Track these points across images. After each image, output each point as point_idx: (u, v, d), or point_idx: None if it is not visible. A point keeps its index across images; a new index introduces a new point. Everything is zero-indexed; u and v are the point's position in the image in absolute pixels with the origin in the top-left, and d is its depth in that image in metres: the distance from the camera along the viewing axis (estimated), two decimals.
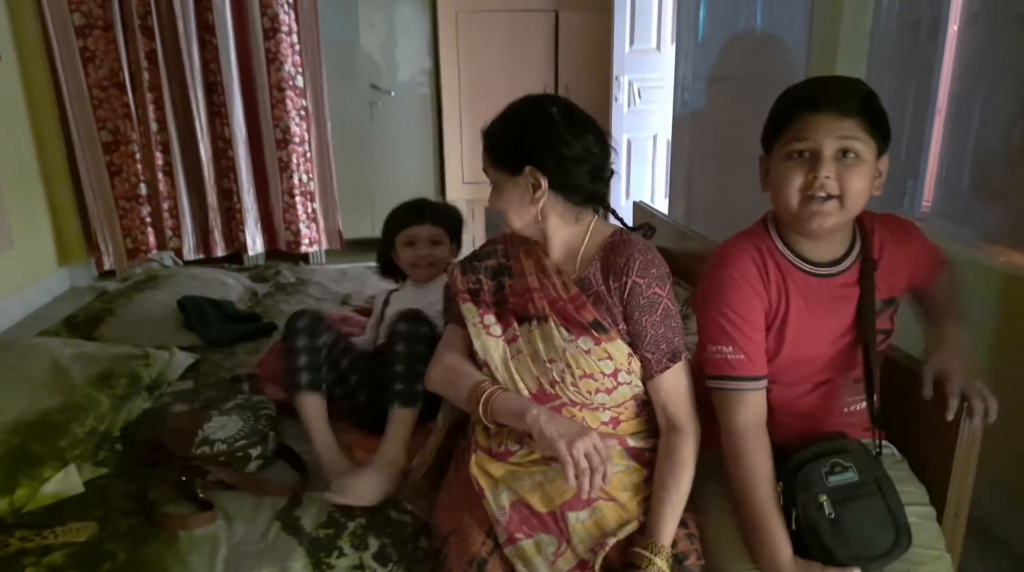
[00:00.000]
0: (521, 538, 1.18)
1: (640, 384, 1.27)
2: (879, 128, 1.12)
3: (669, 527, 1.18)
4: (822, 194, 1.10)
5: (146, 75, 3.83)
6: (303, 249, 4.30)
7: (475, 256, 1.40)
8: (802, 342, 1.22)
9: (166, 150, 3.98)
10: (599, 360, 1.23)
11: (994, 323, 1.99)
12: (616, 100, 4.32)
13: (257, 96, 4.08)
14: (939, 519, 1.26)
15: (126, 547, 1.33)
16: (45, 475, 1.51)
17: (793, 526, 1.15)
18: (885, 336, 1.27)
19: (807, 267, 1.22)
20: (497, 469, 1.27)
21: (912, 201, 2.51)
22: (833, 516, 1.12)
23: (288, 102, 4.07)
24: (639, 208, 3.46)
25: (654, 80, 4.32)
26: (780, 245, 1.23)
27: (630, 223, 1.36)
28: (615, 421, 1.27)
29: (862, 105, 1.10)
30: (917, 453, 1.30)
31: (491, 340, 1.30)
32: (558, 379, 1.24)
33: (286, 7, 3.96)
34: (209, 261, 4.10)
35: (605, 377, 1.23)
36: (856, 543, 1.11)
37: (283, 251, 4.31)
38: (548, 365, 1.25)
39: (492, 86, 4.52)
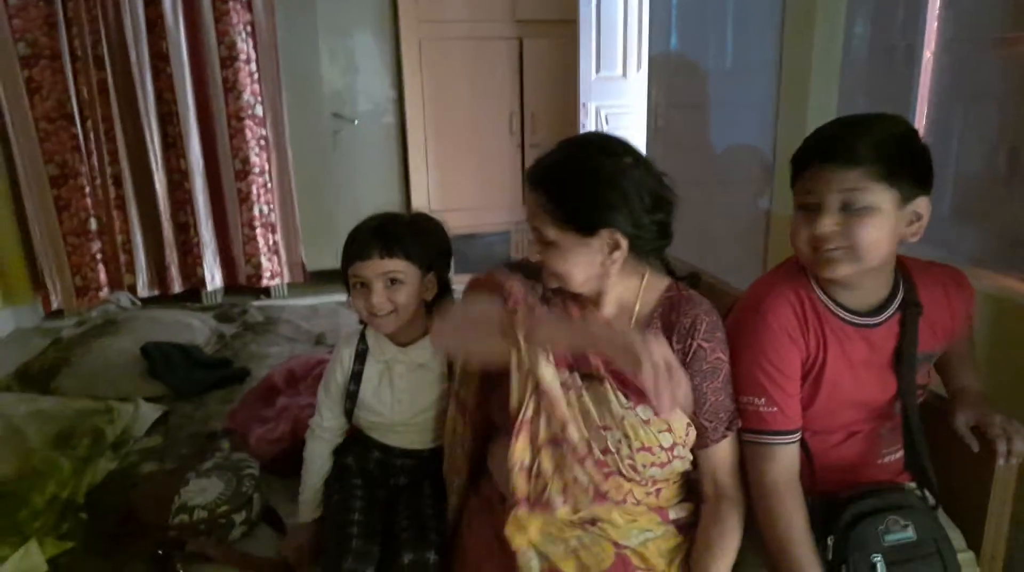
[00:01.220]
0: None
1: (691, 457, 1.18)
2: (901, 173, 1.06)
3: None
4: (830, 245, 1.07)
5: (97, 106, 3.66)
6: (264, 282, 4.14)
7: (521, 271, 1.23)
8: (838, 391, 1.17)
9: (118, 183, 3.80)
10: (659, 432, 1.13)
11: (982, 347, 1.99)
12: (583, 127, 4.31)
13: (215, 126, 3.93)
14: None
15: None
16: (2, 553, 1.35)
17: None
18: (922, 390, 1.23)
19: (845, 315, 1.16)
20: (534, 526, 1.16)
21: None
22: None
23: (247, 132, 3.93)
24: None
25: (621, 106, 4.33)
26: (818, 290, 1.17)
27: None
28: (658, 492, 1.19)
29: (874, 152, 1.03)
30: (950, 495, 1.26)
31: (550, 369, 1.13)
32: (612, 449, 1.14)
33: (244, 35, 3.84)
34: (165, 298, 3.92)
35: (663, 451, 1.14)
36: None
37: (243, 285, 4.15)
38: (603, 432, 1.14)
39: (457, 114, 4.48)
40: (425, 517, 1.36)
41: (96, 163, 3.70)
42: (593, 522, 1.14)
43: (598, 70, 4.27)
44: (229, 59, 3.82)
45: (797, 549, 1.09)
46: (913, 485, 1.18)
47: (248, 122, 3.93)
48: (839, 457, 1.21)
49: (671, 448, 1.14)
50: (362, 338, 1.43)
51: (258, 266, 4.12)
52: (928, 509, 1.13)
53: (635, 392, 1.13)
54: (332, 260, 5.06)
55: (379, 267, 1.33)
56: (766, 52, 2.91)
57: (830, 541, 1.10)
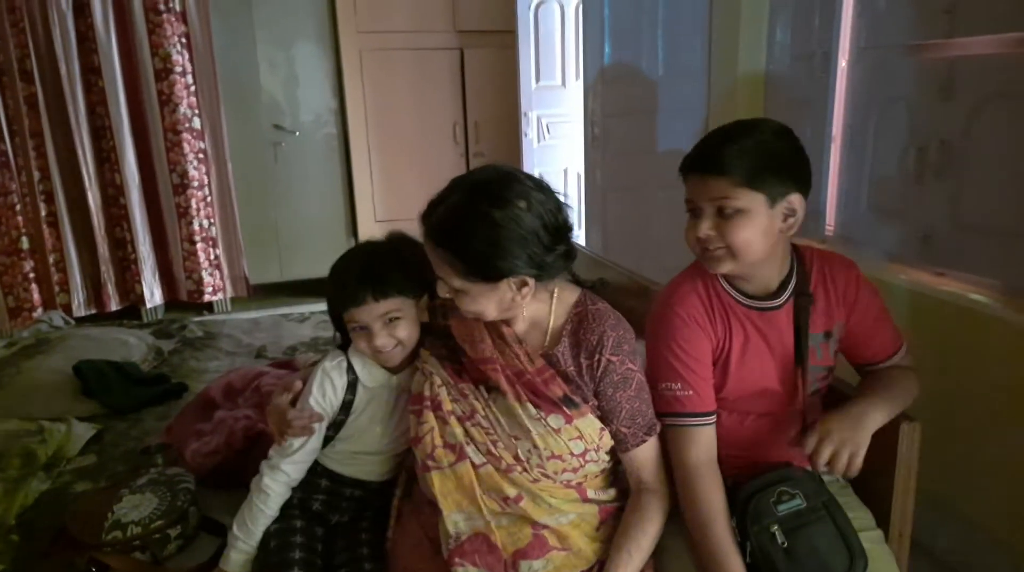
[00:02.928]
0: (467, 564, 1.14)
1: (607, 458, 1.24)
2: (765, 177, 1.13)
3: None
4: (709, 247, 1.18)
5: (26, 121, 3.57)
6: (207, 298, 4.08)
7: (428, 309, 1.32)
8: (745, 375, 1.25)
9: (50, 200, 3.71)
10: (569, 440, 1.17)
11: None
12: (526, 135, 4.38)
13: (150, 140, 3.88)
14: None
15: None
16: None
17: (748, 559, 1.15)
18: (827, 372, 1.30)
19: (745, 301, 1.25)
20: (464, 485, 1.19)
21: (816, 225, 2.63)
22: (786, 545, 1.13)
23: (185, 145, 3.88)
24: None
25: (561, 115, 4.41)
26: (722, 281, 1.26)
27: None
28: (580, 486, 1.23)
29: (738, 161, 1.12)
30: (858, 477, 1.32)
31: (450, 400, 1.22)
32: (523, 457, 1.18)
33: (179, 47, 3.79)
34: (103, 316, 3.83)
35: (573, 457, 1.18)
36: (812, 570, 1.11)
37: (185, 301, 4.08)
38: (513, 441, 1.19)
39: (401, 124, 4.49)
40: (361, 550, 1.34)
41: (27, 180, 3.61)
42: (508, 500, 1.18)
43: (538, 79, 4.34)
44: (164, 71, 3.77)
45: (716, 526, 1.16)
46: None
47: (185, 135, 3.87)
48: (750, 438, 1.28)
49: (582, 454, 1.18)
50: (350, 367, 1.35)
51: (199, 281, 4.06)
52: (813, 478, 1.20)
53: (546, 401, 1.17)
54: (276, 273, 5.03)
55: (375, 310, 1.27)
56: (695, 59, 3.01)
57: (733, 522, 1.17)
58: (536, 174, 4.39)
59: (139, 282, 3.95)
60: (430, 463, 1.21)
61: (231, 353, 2.63)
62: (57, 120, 3.65)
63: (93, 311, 3.89)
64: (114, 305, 3.93)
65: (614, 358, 1.18)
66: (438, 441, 1.21)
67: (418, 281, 1.30)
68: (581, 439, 1.18)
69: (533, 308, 1.21)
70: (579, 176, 4.38)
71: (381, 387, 1.36)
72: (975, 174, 2.00)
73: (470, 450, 1.20)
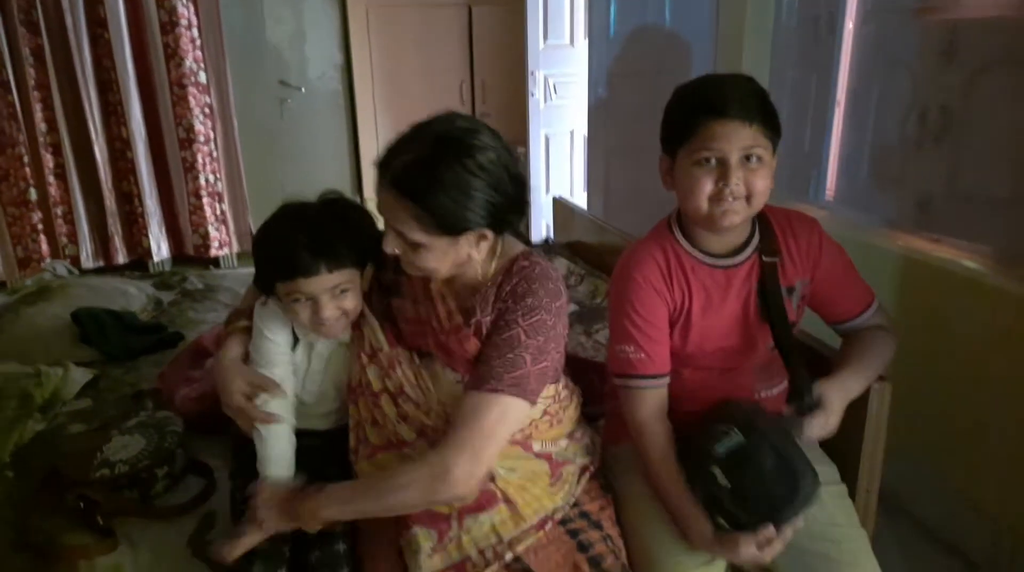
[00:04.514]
0: (416, 526, 1.15)
1: (541, 408, 1.22)
2: (775, 128, 1.17)
3: None
4: (731, 198, 1.15)
5: (32, 73, 3.58)
6: (213, 253, 4.13)
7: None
8: (706, 333, 1.27)
9: (57, 152, 3.74)
10: None
11: (891, 303, 2.09)
12: (532, 95, 4.33)
13: (156, 93, 3.88)
14: (852, 495, 1.30)
15: None
16: None
17: (702, 504, 1.17)
18: (792, 326, 1.30)
19: (708, 260, 1.26)
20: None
21: (816, 191, 2.61)
22: (729, 485, 1.13)
23: (191, 99, 3.89)
24: (558, 203, 3.48)
25: (569, 75, 4.34)
26: (683, 242, 1.27)
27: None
28: (526, 440, 1.23)
29: (762, 111, 1.14)
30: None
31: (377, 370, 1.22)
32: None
33: (184, 0, 3.77)
34: (110, 269, 3.88)
35: None
36: (758, 503, 1.11)
37: (191, 256, 4.13)
38: (442, 407, 1.19)
39: (407, 82, 4.46)
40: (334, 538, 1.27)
41: (33, 132, 3.63)
42: None
43: (546, 38, 4.27)
44: (169, 24, 3.76)
45: (670, 475, 1.20)
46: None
47: (191, 89, 3.88)
48: (713, 393, 1.28)
49: None
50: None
51: (206, 236, 4.10)
52: (755, 409, 1.21)
53: (460, 364, 1.17)
54: None
55: (327, 282, 1.20)
56: (702, 20, 2.96)
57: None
58: (542, 136, 4.38)
59: (146, 236, 3.99)
60: (362, 449, 1.24)
61: (229, 305, 2.67)
62: (63, 72, 3.66)
63: (101, 263, 3.95)
64: (121, 258, 3.98)
65: (515, 306, 1.12)
66: (371, 433, 1.24)
67: (365, 250, 1.24)
68: None
69: (480, 263, 1.17)
70: (584, 138, 4.34)
71: (313, 340, 1.31)
72: (973, 140, 1.97)
73: (402, 430, 1.20)
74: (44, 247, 3.79)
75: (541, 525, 1.19)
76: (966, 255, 2.00)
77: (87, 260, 3.90)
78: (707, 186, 1.16)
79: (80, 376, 1.94)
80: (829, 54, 2.48)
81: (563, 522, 1.22)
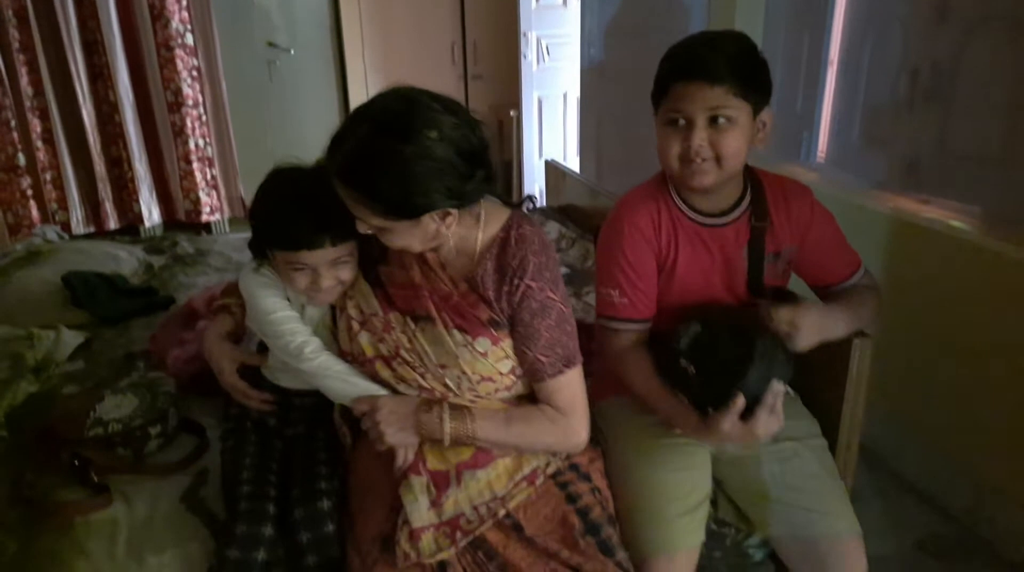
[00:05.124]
0: (412, 476, 1.18)
1: None
2: (753, 87, 1.16)
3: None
4: (698, 159, 1.17)
5: (16, 35, 3.51)
6: (204, 218, 4.10)
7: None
8: (689, 285, 1.30)
9: (44, 116, 3.69)
10: (496, 361, 1.19)
11: (880, 262, 2.11)
12: (525, 57, 4.28)
13: (143, 56, 3.82)
14: (832, 449, 1.33)
15: (17, 538, 1.25)
16: None
17: (685, 402, 1.21)
18: (775, 292, 1.33)
19: (697, 218, 1.29)
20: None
21: (808, 152, 2.61)
22: (696, 371, 1.19)
23: (178, 62, 3.83)
24: (551, 167, 3.46)
25: (562, 36, 4.29)
26: (675, 196, 1.29)
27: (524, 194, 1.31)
28: (518, 399, 1.25)
29: (731, 70, 1.13)
30: (810, 389, 1.37)
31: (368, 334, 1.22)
32: (452, 386, 1.20)
33: None
34: (102, 235, 3.86)
35: (503, 376, 1.20)
36: (722, 375, 1.15)
37: (183, 221, 4.10)
38: (441, 370, 1.19)
39: (397, 42, 4.40)
40: (317, 467, 1.31)
41: (18, 95, 3.58)
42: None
43: None
44: None
45: (652, 384, 1.26)
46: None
47: (178, 51, 3.81)
48: None
49: (511, 372, 1.20)
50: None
51: (197, 201, 4.07)
52: (712, 304, 1.29)
53: (473, 324, 1.17)
54: None
55: (329, 255, 1.20)
56: None
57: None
58: (535, 98, 4.34)
59: (136, 201, 3.96)
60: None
61: (220, 270, 2.67)
62: (48, 34, 3.59)
63: (92, 229, 3.92)
64: (112, 223, 3.96)
65: (533, 284, 1.15)
66: None
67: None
68: (508, 358, 1.19)
69: (459, 233, 1.17)
70: (578, 100, 4.30)
71: (307, 302, 1.31)
72: (963, 100, 1.97)
73: (402, 388, 1.21)
74: (34, 213, 3.76)
75: (532, 478, 1.22)
76: (954, 216, 2.02)
77: (78, 226, 3.87)
78: (675, 146, 1.19)
79: (72, 339, 1.95)
80: (822, 12, 2.46)
81: (554, 475, 1.24)
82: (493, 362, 1.18)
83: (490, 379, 1.19)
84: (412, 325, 1.19)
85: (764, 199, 1.29)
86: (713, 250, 1.29)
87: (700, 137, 1.16)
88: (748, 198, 1.29)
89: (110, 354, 1.92)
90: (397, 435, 1.15)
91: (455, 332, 1.17)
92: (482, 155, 1.09)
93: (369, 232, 1.12)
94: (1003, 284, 1.81)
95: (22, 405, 1.67)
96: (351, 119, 1.06)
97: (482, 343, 1.17)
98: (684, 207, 1.29)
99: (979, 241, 1.89)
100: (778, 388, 1.12)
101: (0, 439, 1.55)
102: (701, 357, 1.19)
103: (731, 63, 1.13)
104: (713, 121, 1.15)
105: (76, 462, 1.37)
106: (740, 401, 1.11)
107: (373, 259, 1.24)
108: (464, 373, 1.18)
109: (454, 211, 1.09)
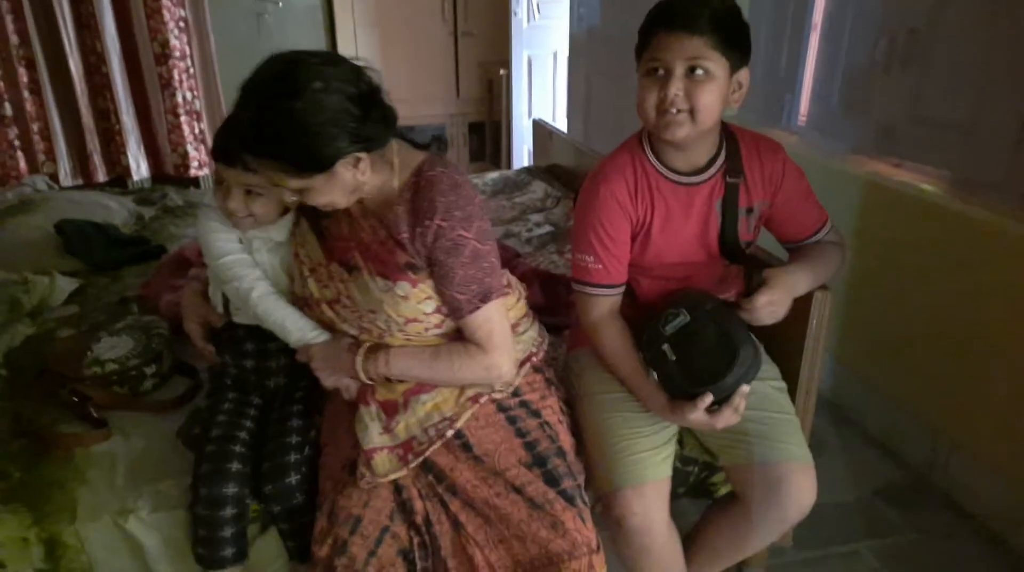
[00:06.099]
0: (361, 406, 1.28)
1: None
2: (733, 44, 1.17)
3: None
4: (673, 109, 1.18)
5: None
6: (192, 172, 4.11)
7: None
8: (665, 246, 1.33)
9: (31, 66, 3.66)
10: (418, 302, 1.24)
11: (853, 224, 2.18)
12: (515, 15, 4.26)
13: (130, 5, 3.78)
14: (792, 395, 1.41)
15: (20, 466, 1.32)
16: None
17: (657, 381, 1.28)
18: (746, 245, 1.37)
19: (673, 176, 1.31)
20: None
21: (789, 116, 2.65)
22: (676, 358, 1.24)
23: (165, 12, 3.79)
24: (538, 127, 3.49)
25: None
26: (651, 156, 1.31)
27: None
28: (455, 333, 1.30)
29: (712, 23, 1.14)
30: (773, 338, 1.43)
31: (315, 284, 1.29)
32: (383, 327, 1.26)
33: None
34: (90, 187, 3.87)
35: (429, 316, 1.25)
36: (700, 373, 1.22)
37: (172, 175, 4.11)
38: (371, 315, 1.26)
39: None
40: (290, 420, 1.36)
41: (4, 44, 3.55)
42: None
43: None
44: None
45: (626, 362, 1.32)
46: None
47: (165, 2, 3.78)
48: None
49: (436, 310, 1.25)
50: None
51: (185, 155, 4.07)
52: (702, 293, 1.31)
53: (393, 269, 1.22)
54: None
55: (242, 178, 1.24)
56: None
57: (640, 357, 1.31)
58: (524, 57, 4.33)
59: (124, 154, 3.96)
60: None
61: None
62: None
63: (80, 182, 3.93)
64: (101, 176, 3.96)
65: (444, 223, 1.18)
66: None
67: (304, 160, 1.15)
68: (431, 299, 1.24)
69: (377, 179, 1.20)
70: (567, 61, 4.30)
71: (249, 238, 1.34)
72: (937, 67, 2.01)
73: (345, 327, 1.29)
74: (22, 164, 3.76)
75: (476, 398, 1.30)
76: (925, 179, 2.08)
77: (66, 178, 3.87)
78: (652, 96, 1.19)
79: (66, 284, 2.00)
80: None
81: (502, 408, 1.31)
82: (415, 304, 1.23)
83: (415, 320, 1.25)
84: (346, 275, 1.26)
85: (739, 155, 1.31)
86: (688, 208, 1.31)
87: (676, 87, 1.17)
88: (723, 155, 1.31)
89: (104, 299, 1.97)
90: (330, 378, 1.29)
91: (377, 278, 1.22)
92: (373, 97, 1.12)
93: (294, 198, 1.17)
94: (967, 245, 1.89)
95: (20, 346, 1.72)
96: (239, 97, 1.09)
97: (402, 287, 1.22)
98: (660, 166, 1.30)
99: (946, 204, 1.96)
100: (745, 389, 1.21)
101: (1, 378, 1.61)
102: (684, 347, 1.24)
103: (713, 16, 1.14)
104: (691, 72, 1.16)
105: (75, 399, 1.44)
106: (708, 399, 1.20)
107: (317, 212, 1.29)
108: (390, 316, 1.24)
109: (363, 155, 1.13)
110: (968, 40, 1.92)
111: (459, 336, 1.29)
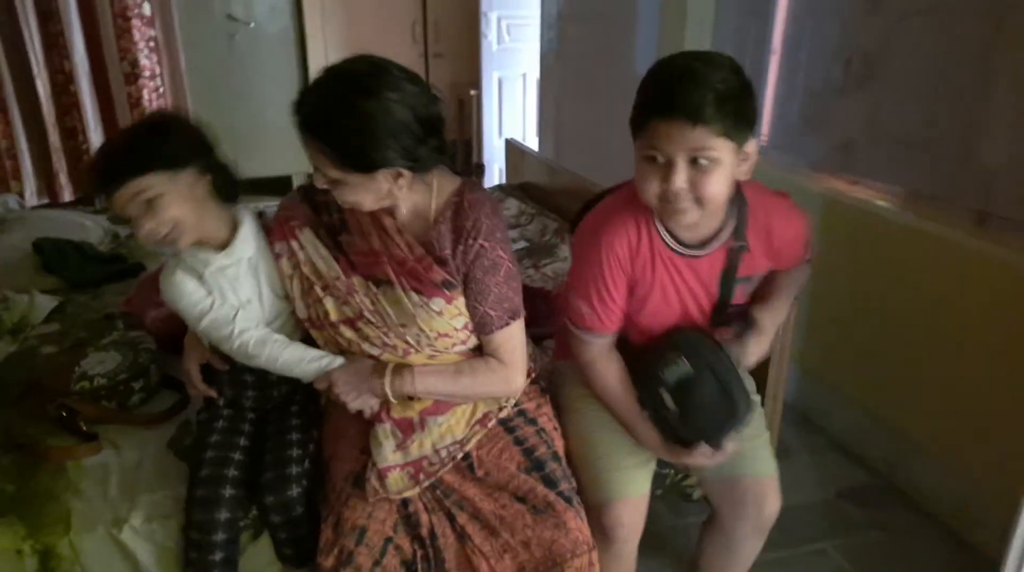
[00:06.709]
0: (377, 424, 1.30)
1: None
2: (740, 126, 1.09)
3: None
4: (678, 203, 1.12)
5: None
6: None
7: (311, 204, 1.33)
8: (663, 304, 1.31)
9: None
10: (451, 318, 1.28)
11: (814, 241, 2.28)
12: (485, 37, 4.36)
13: (99, 25, 3.78)
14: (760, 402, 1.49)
15: (12, 480, 1.33)
16: None
17: (651, 420, 1.32)
18: (738, 309, 1.37)
19: (677, 248, 1.26)
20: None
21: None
22: (677, 409, 1.27)
23: (135, 32, 3.80)
24: (510, 146, 3.57)
25: (522, 18, 4.38)
26: (657, 224, 1.25)
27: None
28: (474, 351, 1.36)
29: (717, 109, 1.05)
30: None
31: (333, 301, 1.30)
32: (413, 343, 1.29)
33: None
34: (56, 207, 3.83)
35: (458, 332, 1.30)
36: (700, 426, 1.28)
37: None
38: (401, 329, 1.29)
39: (358, 19, 4.43)
40: (288, 434, 1.37)
41: None
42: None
43: None
44: None
45: (619, 400, 1.34)
46: None
47: (135, 21, 3.79)
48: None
49: (465, 327, 1.31)
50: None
51: None
52: (702, 340, 1.29)
53: (428, 286, 1.26)
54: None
55: (122, 197, 1.16)
56: None
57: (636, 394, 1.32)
58: (495, 79, 4.41)
59: None
60: None
61: None
62: (1, 1, 3.53)
63: (46, 201, 3.89)
64: (67, 195, 3.92)
65: (486, 243, 1.25)
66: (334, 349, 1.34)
67: (175, 153, 1.19)
68: (462, 315, 1.30)
69: (413, 198, 1.26)
70: (537, 81, 4.40)
71: (218, 269, 1.29)
72: (892, 86, 2.14)
73: (365, 347, 1.31)
74: None
75: (485, 421, 1.35)
76: (880, 195, 2.20)
77: (31, 197, 3.83)
78: (654, 185, 1.12)
79: (46, 302, 2.00)
80: (768, 1, 2.61)
81: (503, 421, 1.37)
82: (448, 320, 1.28)
83: (446, 335, 1.30)
84: (374, 289, 1.29)
85: (746, 224, 1.24)
86: (687, 277, 1.27)
87: (680, 179, 1.09)
88: (730, 225, 1.24)
89: (85, 316, 1.97)
90: (356, 401, 1.29)
91: (412, 293, 1.26)
92: (437, 125, 1.19)
93: (324, 186, 1.20)
94: (921, 256, 2.00)
95: (2, 363, 1.72)
96: (322, 76, 1.15)
97: (437, 303, 1.26)
98: (664, 236, 1.24)
99: (900, 218, 2.07)
100: (737, 439, 1.28)
101: None
102: (684, 398, 1.25)
103: (717, 100, 1.05)
104: (694, 161, 1.08)
105: (64, 413, 1.45)
106: (706, 449, 1.27)
107: (335, 229, 1.32)
108: (422, 331, 1.28)
109: (406, 172, 1.17)
110: (918, 62, 2.05)
111: (476, 353, 1.34)
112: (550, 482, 1.28)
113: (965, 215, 1.92)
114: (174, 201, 1.19)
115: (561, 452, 1.37)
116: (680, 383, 1.26)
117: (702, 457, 1.29)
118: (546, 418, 1.41)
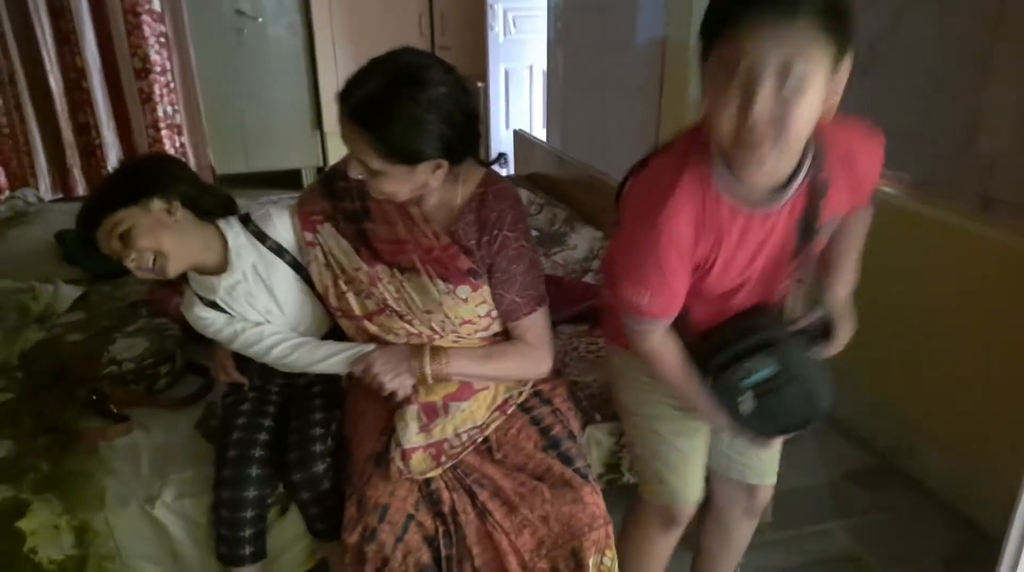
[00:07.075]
0: (406, 406, 1.34)
1: None
2: (842, 23, 0.88)
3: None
4: (754, 136, 0.90)
5: None
6: None
7: (331, 192, 1.35)
8: (728, 275, 1.15)
9: (11, 82, 3.69)
10: (476, 305, 1.32)
11: None
12: (492, 29, 4.39)
13: (110, 22, 3.83)
14: None
15: (47, 460, 1.38)
16: None
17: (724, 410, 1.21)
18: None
19: (747, 206, 1.06)
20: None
21: None
22: (756, 407, 1.16)
23: (145, 28, 3.85)
24: (519, 137, 3.61)
25: (529, 9, 4.40)
26: (721, 180, 1.04)
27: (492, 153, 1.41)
28: (495, 337, 1.40)
29: (816, 2, 0.85)
30: None
31: (348, 256, 1.32)
32: (437, 329, 1.33)
33: None
34: (71, 202, 3.89)
35: (481, 319, 1.34)
36: (774, 425, 1.21)
37: None
38: (427, 315, 1.32)
39: (365, 12, 4.45)
40: (312, 414, 1.41)
41: None
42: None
43: None
44: None
45: (684, 382, 1.22)
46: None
47: (145, 17, 3.83)
48: (733, 305, 1.22)
49: (488, 314, 1.35)
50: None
51: None
52: (788, 337, 1.17)
53: (455, 274, 1.30)
54: (242, 163, 5.07)
55: (101, 235, 1.23)
56: None
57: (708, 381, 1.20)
58: (501, 70, 4.45)
59: (105, 168, 3.98)
60: None
61: None
62: None
63: (60, 196, 3.95)
64: (81, 190, 3.98)
65: (510, 234, 1.29)
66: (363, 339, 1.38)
67: (136, 188, 1.24)
68: (486, 303, 1.33)
69: (441, 189, 1.28)
70: (544, 73, 4.43)
71: (229, 286, 1.32)
72: (894, 76, 2.17)
73: (391, 338, 1.35)
74: (3, 179, 3.77)
75: (505, 407, 1.39)
76: (886, 181, 2.23)
77: (46, 192, 3.88)
78: (731, 106, 0.90)
79: (70, 292, 2.05)
80: None
81: (520, 403, 1.41)
82: (473, 306, 1.31)
83: (470, 321, 1.34)
84: (399, 276, 1.32)
85: (824, 155, 1.03)
86: (761, 235, 1.09)
87: (763, 105, 0.87)
88: (807, 166, 1.02)
89: (109, 305, 2.03)
90: (395, 381, 1.30)
91: (438, 281, 1.29)
92: (474, 115, 1.23)
93: (360, 177, 1.20)
94: (926, 241, 2.03)
95: (32, 349, 1.78)
96: (369, 67, 1.15)
97: (463, 290, 1.30)
98: (733, 194, 1.04)
99: (905, 204, 2.11)
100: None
101: (16, 379, 1.66)
102: (763, 399, 1.15)
103: None
104: (782, 78, 0.86)
105: (95, 397, 1.50)
106: (777, 442, 1.29)
107: (357, 216, 1.34)
108: (448, 317, 1.32)
109: (445, 164, 1.20)
110: (920, 52, 2.08)
111: (501, 338, 1.38)
112: (567, 459, 1.32)
113: (966, 199, 1.95)
114: (146, 230, 1.23)
115: (576, 431, 1.42)
116: (764, 384, 1.15)
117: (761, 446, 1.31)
118: (560, 399, 1.45)
